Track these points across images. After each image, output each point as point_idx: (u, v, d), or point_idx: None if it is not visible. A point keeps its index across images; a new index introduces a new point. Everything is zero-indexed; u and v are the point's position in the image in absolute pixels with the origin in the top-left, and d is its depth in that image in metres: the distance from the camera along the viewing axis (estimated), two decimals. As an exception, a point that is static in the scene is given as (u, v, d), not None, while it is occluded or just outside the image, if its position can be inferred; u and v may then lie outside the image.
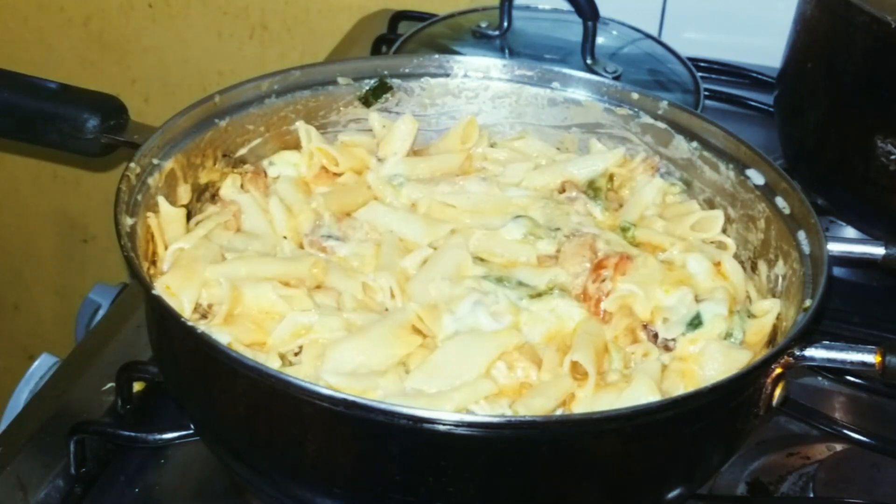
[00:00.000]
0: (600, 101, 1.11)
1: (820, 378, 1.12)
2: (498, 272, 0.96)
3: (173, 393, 0.94)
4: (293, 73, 1.07)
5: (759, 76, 1.56)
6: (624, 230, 1.02)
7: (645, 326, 0.93)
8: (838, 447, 1.03)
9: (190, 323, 0.80)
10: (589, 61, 1.41)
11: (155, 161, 0.95)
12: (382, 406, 0.74)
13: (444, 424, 0.74)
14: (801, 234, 0.94)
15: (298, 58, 1.85)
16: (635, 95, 1.10)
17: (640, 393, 0.84)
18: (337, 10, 1.80)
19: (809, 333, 0.84)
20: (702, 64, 1.55)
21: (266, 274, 0.93)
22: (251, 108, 1.05)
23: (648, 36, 1.51)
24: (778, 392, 0.85)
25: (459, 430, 0.74)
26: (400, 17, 1.65)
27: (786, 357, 0.83)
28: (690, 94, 1.39)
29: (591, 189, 1.07)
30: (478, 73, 1.13)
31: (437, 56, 1.13)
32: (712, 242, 1.03)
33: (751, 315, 0.95)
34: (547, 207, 1.04)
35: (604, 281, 0.95)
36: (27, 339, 2.23)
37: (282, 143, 1.08)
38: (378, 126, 1.11)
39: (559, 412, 0.84)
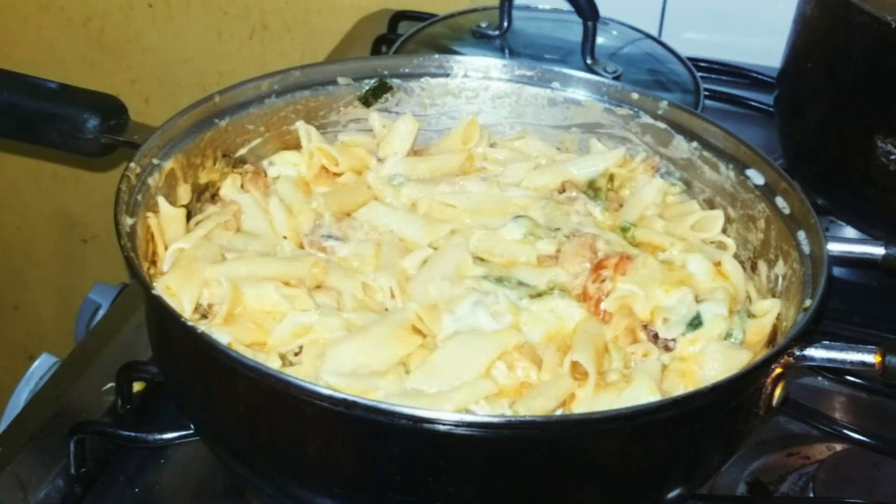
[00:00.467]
0: (600, 101, 1.11)
1: (820, 378, 1.12)
2: (498, 272, 0.96)
3: (173, 393, 0.94)
4: (293, 73, 1.07)
5: (759, 76, 1.56)
6: (624, 230, 1.02)
7: (645, 326, 0.93)
8: (838, 447, 1.03)
9: (190, 323, 0.80)
10: (589, 61, 1.41)
11: (155, 161, 0.95)
12: (382, 406, 0.74)
13: (444, 424, 0.74)
14: (801, 234, 0.94)
15: (298, 58, 1.85)
16: (635, 95, 1.10)
17: (640, 393, 0.84)
18: (337, 10, 1.80)
19: (809, 333, 0.84)
20: (702, 64, 1.55)
21: (266, 274, 0.93)
22: (251, 108, 1.05)
23: (648, 36, 1.51)
24: (778, 392, 0.85)
25: (459, 430, 0.74)
26: (400, 17, 1.65)
27: (786, 357, 0.83)
28: (690, 94, 1.39)
29: (591, 189, 1.07)
30: (478, 73, 1.13)
31: (437, 56, 1.13)
32: (712, 242, 1.03)
33: (751, 315, 0.95)
34: (547, 207, 1.04)
35: (604, 281, 0.95)
36: (27, 339, 2.23)
37: (282, 143, 1.08)
38: (378, 126, 1.11)
39: (559, 412, 0.84)
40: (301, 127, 1.08)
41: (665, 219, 1.05)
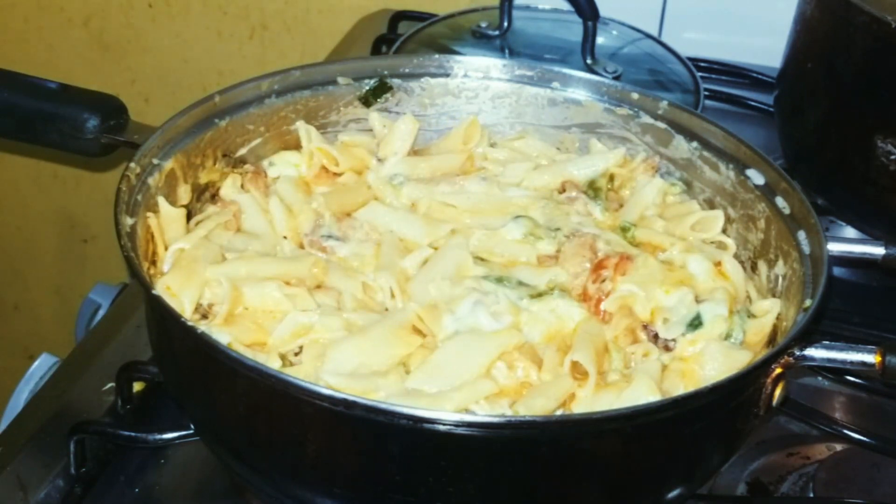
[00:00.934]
0: (600, 101, 1.11)
1: (820, 378, 1.12)
2: (498, 272, 0.96)
3: (173, 393, 0.94)
4: (293, 73, 1.07)
5: (759, 76, 1.56)
6: (624, 230, 1.02)
7: (645, 327, 0.93)
8: (838, 447, 1.03)
9: (190, 323, 0.80)
10: (589, 61, 1.41)
11: (155, 161, 0.95)
12: (382, 406, 0.74)
13: (444, 424, 0.74)
14: (801, 234, 0.94)
15: (298, 58, 1.85)
16: (635, 95, 1.10)
17: (641, 393, 0.84)
18: (337, 10, 1.80)
19: (809, 333, 0.84)
20: (702, 64, 1.55)
21: (266, 274, 0.93)
22: (251, 108, 1.05)
23: (648, 36, 1.51)
24: (778, 392, 0.85)
25: (459, 430, 0.74)
26: (400, 17, 1.65)
27: (786, 357, 0.83)
28: (690, 94, 1.39)
29: (592, 189, 1.07)
30: (478, 73, 1.13)
31: (437, 56, 1.13)
32: (712, 242, 1.03)
33: (751, 315, 0.95)
34: (547, 207, 1.04)
35: (604, 281, 0.95)
36: (27, 339, 2.23)
37: (282, 143, 1.08)
38: (378, 126, 1.11)
39: (559, 412, 0.84)
40: (301, 127, 1.08)
41: (665, 219, 1.05)
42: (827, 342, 0.84)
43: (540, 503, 0.81)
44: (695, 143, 1.07)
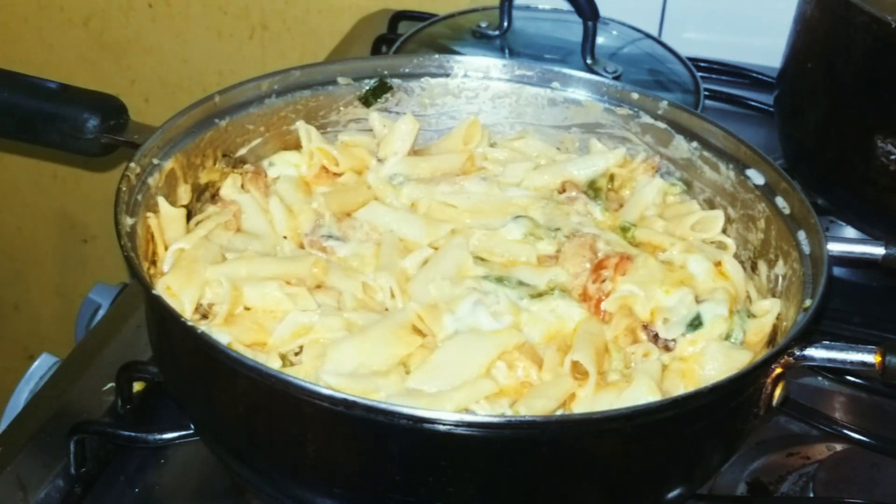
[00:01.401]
0: (600, 101, 1.11)
1: (820, 378, 1.12)
2: (498, 272, 0.96)
3: (173, 393, 0.94)
4: (293, 73, 1.07)
5: (759, 76, 1.56)
6: (624, 230, 1.02)
7: (645, 327, 0.93)
8: (838, 447, 1.03)
9: (190, 323, 0.80)
10: (589, 61, 1.41)
11: (155, 161, 0.95)
12: (382, 406, 0.74)
13: (444, 424, 0.74)
14: (801, 234, 0.94)
15: (298, 58, 1.85)
16: (635, 95, 1.10)
17: (641, 393, 0.84)
18: (337, 10, 1.80)
19: (809, 333, 0.84)
20: (702, 64, 1.55)
21: (266, 274, 0.93)
22: (251, 108, 1.05)
23: (648, 36, 1.51)
24: (778, 392, 0.85)
25: (459, 430, 0.74)
26: (400, 17, 1.65)
27: (786, 357, 0.83)
28: (690, 94, 1.39)
29: (592, 189, 1.07)
30: (478, 73, 1.13)
31: (437, 56, 1.13)
32: (712, 242, 1.03)
33: (751, 315, 0.95)
34: (547, 207, 1.04)
35: (604, 281, 0.95)
36: (27, 339, 2.23)
37: (282, 143, 1.08)
38: (378, 126, 1.11)
39: (559, 412, 0.84)
40: (301, 127, 1.08)
41: (665, 219, 1.05)
42: (827, 342, 0.84)
43: (540, 503, 0.81)
44: (695, 143, 1.07)
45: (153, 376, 0.99)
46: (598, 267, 0.96)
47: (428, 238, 1.00)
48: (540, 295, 0.93)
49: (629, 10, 1.55)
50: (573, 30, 1.44)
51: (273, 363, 0.86)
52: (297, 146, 1.08)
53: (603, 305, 0.94)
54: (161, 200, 0.95)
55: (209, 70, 1.92)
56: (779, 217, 0.98)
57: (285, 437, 0.81)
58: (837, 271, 1.21)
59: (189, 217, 0.99)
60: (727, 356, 0.89)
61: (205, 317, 0.91)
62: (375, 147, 1.10)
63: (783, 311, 0.93)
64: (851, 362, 0.84)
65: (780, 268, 0.97)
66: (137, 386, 1.01)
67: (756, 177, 1.01)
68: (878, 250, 0.96)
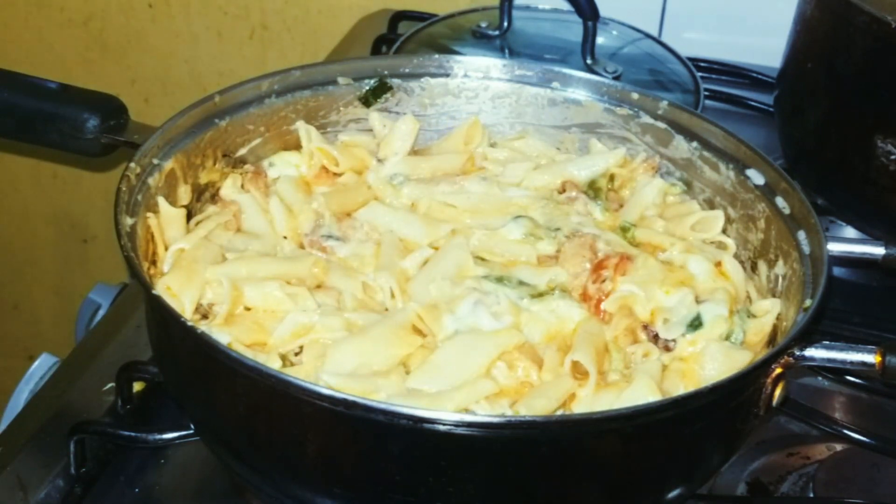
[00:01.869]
0: (600, 101, 1.11)
1: (820, 378, 1.12)
2: (499, 272, 0.96)
3: (173, 393, 0.94)
4: (293, 73, 1.07)
5: (759, 76, 1.56)
6: (624, 230, 1.02)
7: (645, 327, 0.93)
8: (838, 447, 1.03)
9: (190, 323, 0.80)
10: (589, 61, 1.41)
11: (155, 161, 0.95)
12: (382, 406, 0.74)
13: (444, 424, 0.74)
14: (801, 234, 0.94)
15: (298, 58, 1.85)
16: (635, 95, 1.10)
17: (641, 393, 0.84)
18: (337, 10, 1.80)
19: (809, 333, 0.84)
20: (702, 64, 1.55)
21: (267, 274, 0.93)
22: (251, 108, 1.05)
23: (648, 36, 1.51)
24: (778, 392, 0.85)
25: (459, 430, 0.74)
26: (400, 17, 1.65)
27: (786, 357, 0.83)
28: (690, 94, 1.39)
29: (592, 189, 1.07)
30: (478, 73, 1.13)
31: (437, 56, 1.13)
32: (712, 242, 1.03)
33: (751, 315, 0.95)
34: (547, 207, 1.04)
35: (604, 281, 0.95)
36: (27, 339, 2.23)
37: (282, 143, 1.08)
38: (378, 126, 1.11)
39: (559, 412, 0.84)
40: (301, 127, 1.08)
41: (665, 219, 1.05)
42: (827, 342, 0.84)
43: (540, 503, 0.81)
44: (695, 143, 1.07)
45: (153, 376, 0.99)
46: (598, 267, 0.96)
47: (428, 238, 1.00)
48: (540, 295, 0.93)
49: (629, 10, 1.55)
50: (573, 30, 1.44)
51: (273, 363, 0.86)
52: (297, 146, 1.08)
53: (603, 305, 0.94)
54: (161, 200, 0.95)
55: (209, 70, 1.92)
56: (779, 217, 0.98)
57: (285, 437, 0.81)
58: (837, 271, 1.21)
59: (189, 217, 0.99)
60: (727, 356, 0.89)
61: (205, 317, 0.91)
62: (375, 147, 1.10)
63: (783, 311, 0.93)
64: (851, 362, 0.84)
65: (780, 268, 0.97)
66: (137, 386, 1.01)
67: (756, 177, 1.01)
68: (878, 250, 0.96)
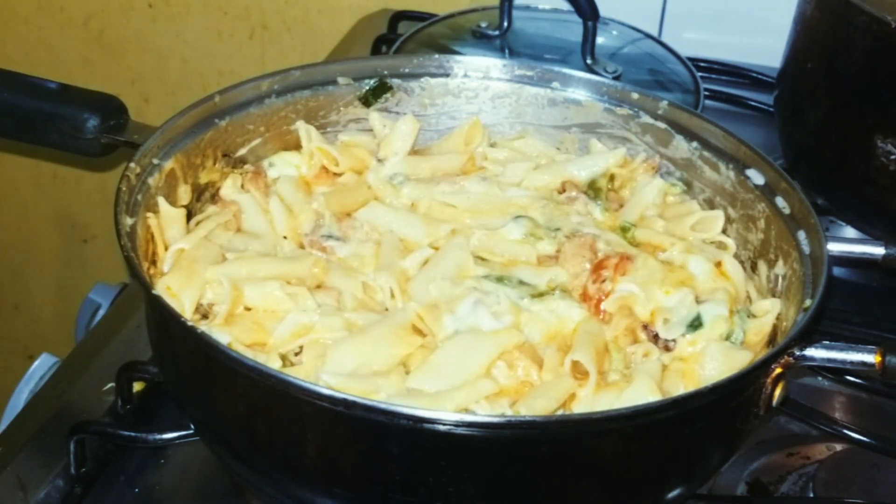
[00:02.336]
0: (600, 101, 1.11)
1: (820, 378, 1.12)
2: (499, 272, 0.96)
3: (173, 393, 0.94)
4: (293, 73, 1.07)
5: (759, 76, 1.56)
6: (624, 230, 1.02)
7: (645, 327, 0.93)
8: (838, 447, 1.03)
9: (190, 323, 0.80)
10: (589, 61, 1.41)
11: (155, 161, 0.95)
12: (382, 406, 0.74)
13: (444, 424, 0.74)
14: (801, 234, 0.94)
15: (298, 58, 1.85)
16: (635, 95, 1.10)
17: (641, 393, 0.84)
18: (337, 10, 1.80)
19: (809, 333, 0.84)
20: (702, 64, 1.55)
21: (267, 274, 0.93)
22: (251, 108, 1.05)
23: (648, 36, 1.51)
24: (778, 392, 0.85)
25: (459, 430, 0.74)
26: (400, 17, 1.65)
27: (786, 357, 0.83)
28: (690, 94, 1.39)
29: (592, 189, 1.07)
30: (478, 73, 1.13)
31: (437, 56, 1.13)
32: (712, 242, 1.03)
33: (751, 315, 0.95)
34: (547, 207, 1.04)
35: (604, 281, 0.95)
36: (27, 339, 2.23)
37: (282, 143, 1.08)
38: (379, 126, 1.11)
39: (559, 412, 0.84)
40: (301, 127, 1.08)
41: (665, 219, 1.05)
42: (827, 342, 0.84)
43: (540, 503, 0.81)
44: (695, 143, 1.07)
45: (153, 376, 0.99)
46: (598, 267, 0.96)
47: (428, 238, 1.00)
48: (540, 295, 0.93)
49: (629, 10, 1.55)
50: (573, 30, 1.44)
51: (273, 363, 0.86)
52: (297, 146, 1.08)
53: (603, 305, 0.94)
54: (161, 200, 0.95)
55: (209, 70, 1.92)
56: (779, 217, 0.98)
57: (285, 437, 0.81)
58: (837, 271, 1.21)
59: (189, 217, 0.99)
60: (727, 356, 0.89)
61: (205, 317, 0.91)
62: (375, 147, 1.10)
63: (783, 311, 0.93)
64: (851, 362, 0.84)
65: (780, 268, 0.97)
66: (137, 386, 1.01)
67: (756, 177, 1.01)
68: (878, 250, 0.96)
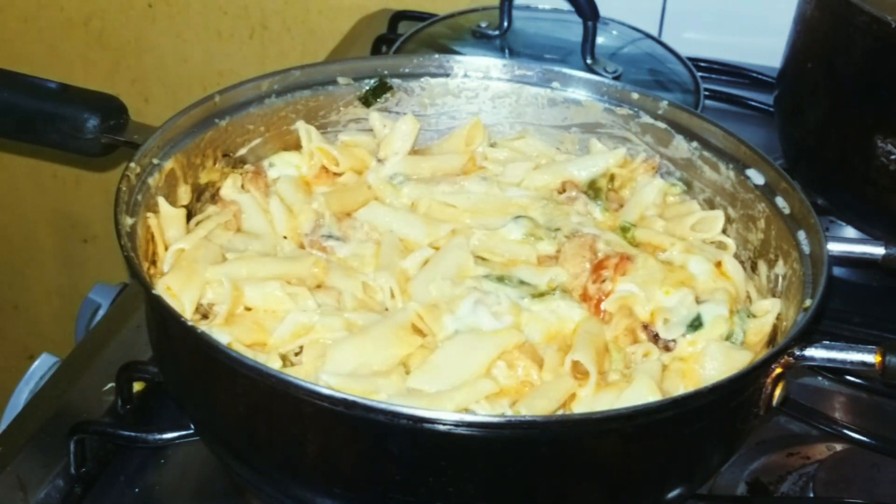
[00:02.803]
0: (600, 101, 1.11)
1: (820, 378, 1.12)
2: (499, 271, 0.96)
3: (173, 393, 0.94)
4: (293, 73, 1.07)
5: (759, 76, 1.56)
6: (624, 230, 1.02)
7: (645, 327, 0.93)
8: (838, 447, 1.03)
9: (190, 323, 0.80)
10: (589, 61, 1.41)
11: (155, 161, 0.95)
12: (382, 406, 0.74)
13: (444, 424, 0.74)
14: (801, 234, 0.94)
15: (298, 58, 1.85)
16: (635, 95, 1.10)
17: (641, 393, 0.84)
18: (337, 10, 1.80)
19: (809, 333, 0.84)
20: (702, 64, 1.55)
21: (267, 274, 0.93)
22: (251, 108, 1.05)
23: (648, 36, 1.51)
24: (778, 392, 0.85)
25: (459, 430, 0.74)
26: (400, 17, 1.65)
27: (786, 357, 0.83)
28: (690, 94, 1.39)
29: (592, 189, 1.07)
30: (478, 73, 1.13)
31: (437, 56, 1.13)
32: (712, 242, 1.03)
33: (751, 315, 0.95)
34: (547, 207, 1.04)
35: (604, 281, 0.95)
36: (27, 339, 2.23)
37: (282, 143, 1.08)
38: (379, 126, 1.11)
39: (560, 412, 0.84)
40: (301, 127, 1.08)
41: (665, 219, 1.05)
42: (827, 342, 0.84)
43: (540, 503, 0.81)
44: (695, 143, 1.07)
45: (153, 376, 0.99)
46: (598, 267, 0.96)
47: (428, 238, 1.00)
48: (541, 295, 0.93)
49: (629, 10, 1.55)
50: (573, 30, 1.44)
51: (273, 363, 0.86)
52: (297, 146, 1.08)
53: (603, 305, 0.94)
54: (161, 200, 0.95)
55: (209, 70, 1.92)
56: (779, 217, 0.98)
57: (285, 437, 0.81)
58: (837, 271, 1.21)
59: (189, 217, 0.99)
60: (727, 356, 0.89)
61: (205, 317, 0.91)
62: (375, 147, 1.10)
63: (783, 311, 0.93)
64: (851, 362, 0.84)
65: (780, 268, 0.97)
66: (137, 386, 1.01)
67: (756, 177, 1.01)
68: (878, 250, 0.96)
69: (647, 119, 1.09)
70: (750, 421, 0.86)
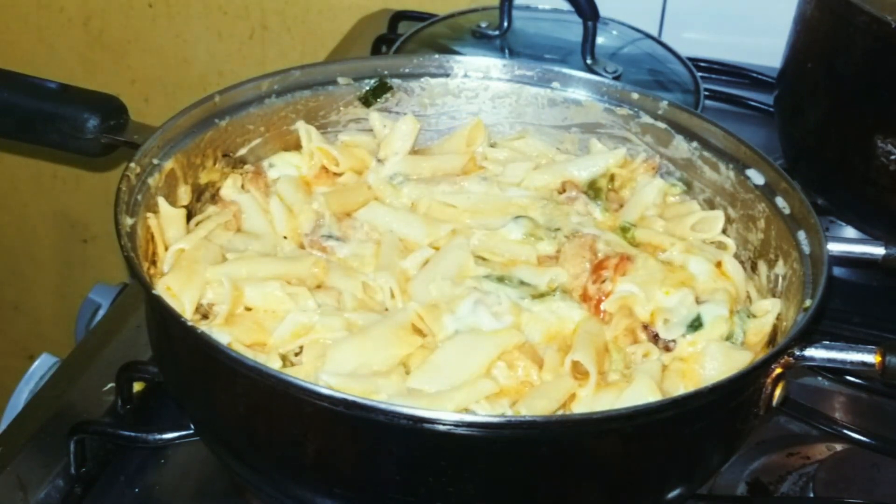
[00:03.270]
0: (600, 101, 1.11)
1: (820, 378, 1.12)
2: (499, 272, 0.96)
3: (173, 393, 0.94)
4: (293, 73, 1.07)
5: (759, 76, 1.56)
6: (624, 230, 1.02)
7: (645, 327, 0.93)
8: (838, 447, 1.03)
9: (190, 323, 0.80)
10: (589, 61, 1.41)
11: (155, 161, 0.95)
12: (382, 406, 0.74)
13: (444, 424, 0.74)
14: (801, 234, 0.94)
15: (298, 58, 1.85)
16: (635, 95, 1.10)
17: (641, 393, 0.84)
18: (337, 10, 1.80)
19: (809, 333, 0.84)
20: (702, 64, 1.55)
21: (267, 274, 0.93)
22: (251, 108, 1.05)
23: (648, 36, 1.51)
24: (778, 392, 0.85)
25: (459, 430, 0.74)
26: (400, 17, 1.65)
27: (786, 357, 0.83)
28: (690, 94, 1.39)
29: (592, 189, 1.07)
30: (478, 73, 1.13)
31: (437, 56, 1.13)
32: (712, 242, 1.03)
33: (751, 315, 0.95)
34: (547, 207, 1.04)
35: (604, 282, 0.95)
36: (27, 339, 2.23)
37: (282, 143, 1.08)
38: (379, 126, 1.11)
39: (560, 412, 0.84)
40: (301, 127, 1.08)
41: (665, 219, 1.05)
42: (827, 342, 0.84)
43: (540, 503, 0.81)
44: (695, 143, 1.07)
45: (153, 376, 0.99)
46: (598, 267, 0.96)
47: (428, 238, 1.00)
48: (541, 295, 0.93)
49: (629, 10, 1.55)
50: (573, 30, 1.44)
51: (273, 363, 0.86)
52: (297, 146, 1.08)
53: (603, 306, 0.94)
54: (161, 200, 0.95)
55: (209, 70, 1.92)
56: (779, 217, 0.98)
57: (285, 437, 0.81)
58: (837, 271, 1.21)
59: (189, 217, 0.99)
60: (727, 356, 0.89)
61: (205, 317, 0.91)
62: (375, 147, 1.10)
63: (783, 311, 0.93)
64: (851, 362, 0.84)
65: (780, 268, 0.97)
66: (137, 386, 1.01)
67: (756, 177, 1.01)
68: (878, 250, 0.96)
69: (647, 119, 1.09)
70: (750, 421, 0.86)
